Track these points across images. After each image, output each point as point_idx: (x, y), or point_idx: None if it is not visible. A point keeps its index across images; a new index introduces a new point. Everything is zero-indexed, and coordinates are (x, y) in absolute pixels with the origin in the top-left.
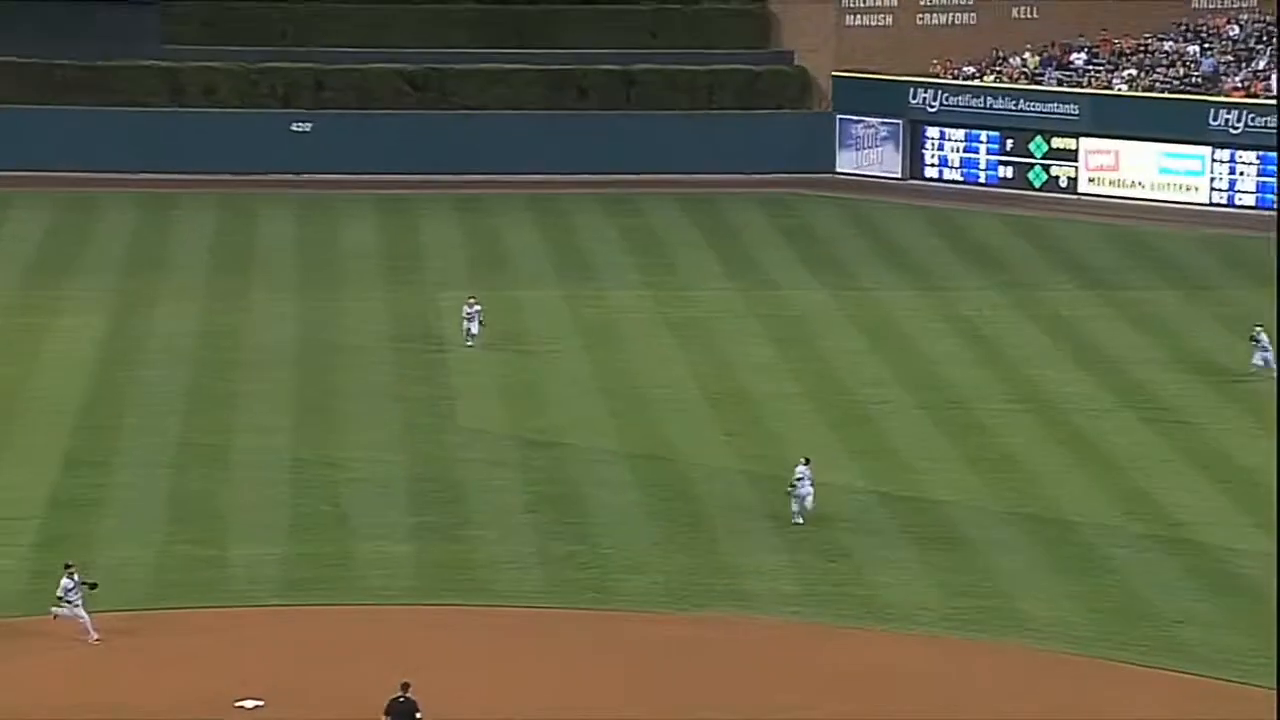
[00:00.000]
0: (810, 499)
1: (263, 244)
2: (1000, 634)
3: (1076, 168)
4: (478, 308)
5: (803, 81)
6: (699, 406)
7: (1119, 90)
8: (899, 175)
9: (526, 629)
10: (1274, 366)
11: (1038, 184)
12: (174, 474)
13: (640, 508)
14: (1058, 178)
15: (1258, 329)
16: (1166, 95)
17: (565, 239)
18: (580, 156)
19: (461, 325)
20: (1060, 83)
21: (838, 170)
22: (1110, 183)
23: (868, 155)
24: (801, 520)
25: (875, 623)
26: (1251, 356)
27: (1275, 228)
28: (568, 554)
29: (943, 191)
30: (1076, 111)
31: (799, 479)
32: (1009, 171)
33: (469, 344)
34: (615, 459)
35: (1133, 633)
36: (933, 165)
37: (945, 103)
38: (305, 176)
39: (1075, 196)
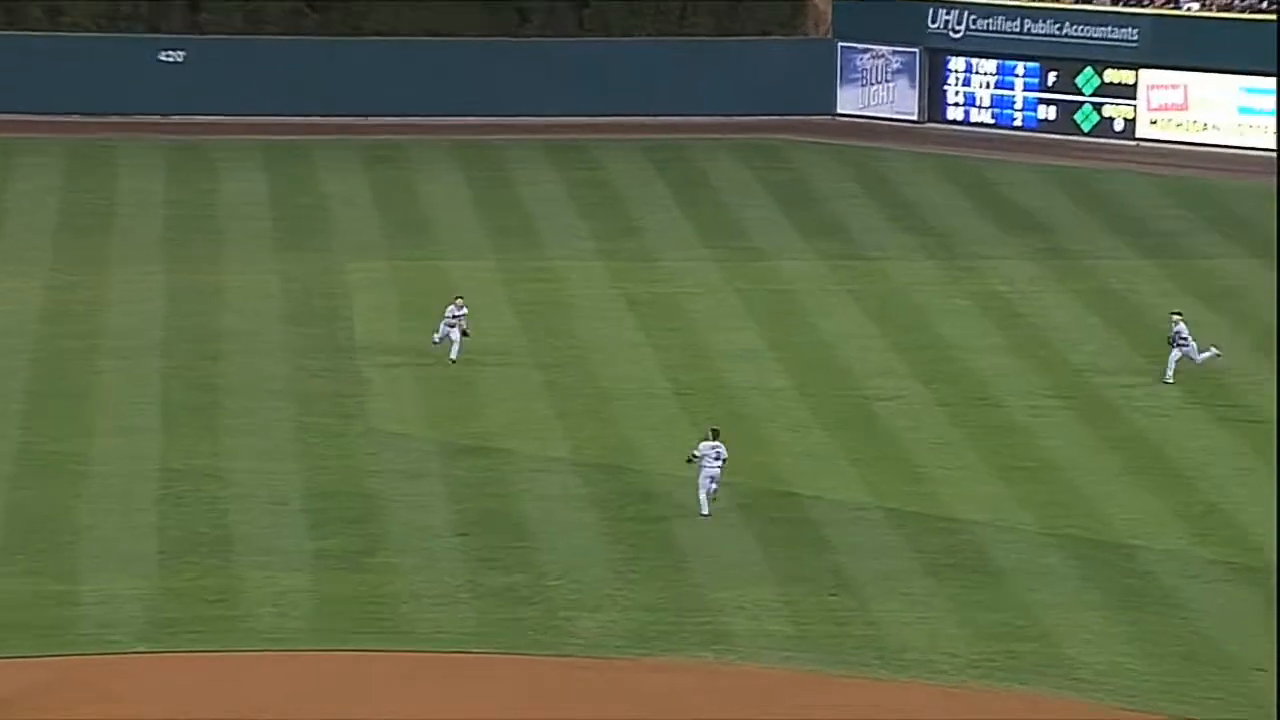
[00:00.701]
0: (715, 486)
1: (123, 203)
2: (1040, 684)
3: (1135, 107)
4: (463, 311)
5: (796, 1)
6: (667, 404)
7: (1188, 10)
8: (915, 117)
9: (455, 678)
10: (1195, 359)
11: (1087, 128)
12: (10, 489)
13: (596, 529)
14: (1111, 120)
15: (1176, 319)
16: (1248, 16)
17: (502, 197)
18: (521, 95)
19: (438, 328)
20: (1116, 1)
21: (838, 111)
22: (1177, 125)
23: (876, 93)
24: (708, 512)
25: (886, 670)
26: (1170, 356)
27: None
28: (506, 586)
29: (969, 138)
30: (1135, 37)
31: (699, 455)
32: (1051, 112)
33: (451, 360)
34: (565, 468)
35: (1202, 683)
36: (957, 105)
37: (973, 26)
38: (176, 119)
39: (1133, 143)
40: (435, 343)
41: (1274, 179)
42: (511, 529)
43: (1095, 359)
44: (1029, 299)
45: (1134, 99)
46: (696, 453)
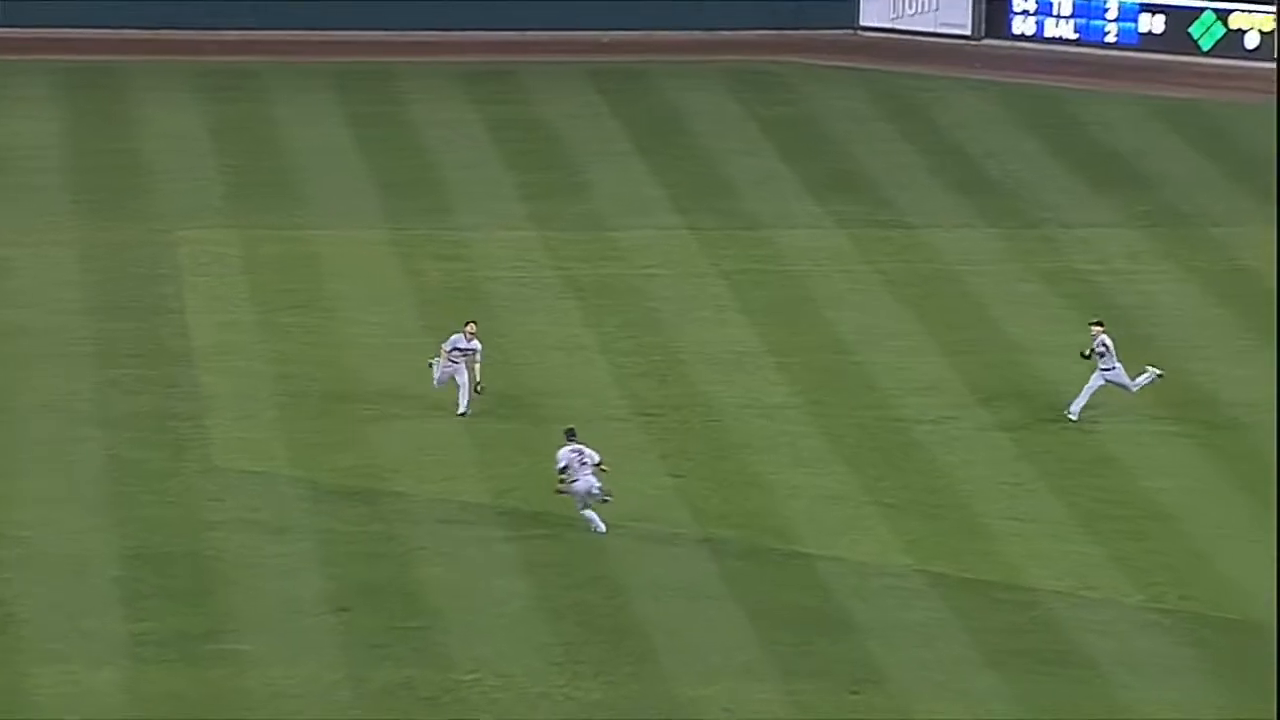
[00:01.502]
0: (596, 489)
1: None
2: None
3: (1277, 17)
4: (474, 346)
5: None
6: (626, 429)
7: None
8: (968, 32)
9: None
10: (1128, 385)
11: (1206, 45)
12: None
13: (526, 599)
14: (1240, 34)
15: (1097, 331)
16: None
17: (396, 141)
18: (423, 3)
19: (435, 363)
20: None
21: (861, 24)
22: None
23: None
24: (603, 528)
25: None
26: (1090, 379)
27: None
28: (402, 681)
29: (1042, 59)
30: None
31: (564, 470)
32: (1157, 23)
33: (460, 412)
34: (483, 517)
35: None
36: (1026, 14)
37: None
38: None
39: (1270, 64)
40: (437, 384)
41: None
42: (408, 600)
43: (1221, 366)
44: (1128, 281)
45: (1273, 3)
46: (561, 469)
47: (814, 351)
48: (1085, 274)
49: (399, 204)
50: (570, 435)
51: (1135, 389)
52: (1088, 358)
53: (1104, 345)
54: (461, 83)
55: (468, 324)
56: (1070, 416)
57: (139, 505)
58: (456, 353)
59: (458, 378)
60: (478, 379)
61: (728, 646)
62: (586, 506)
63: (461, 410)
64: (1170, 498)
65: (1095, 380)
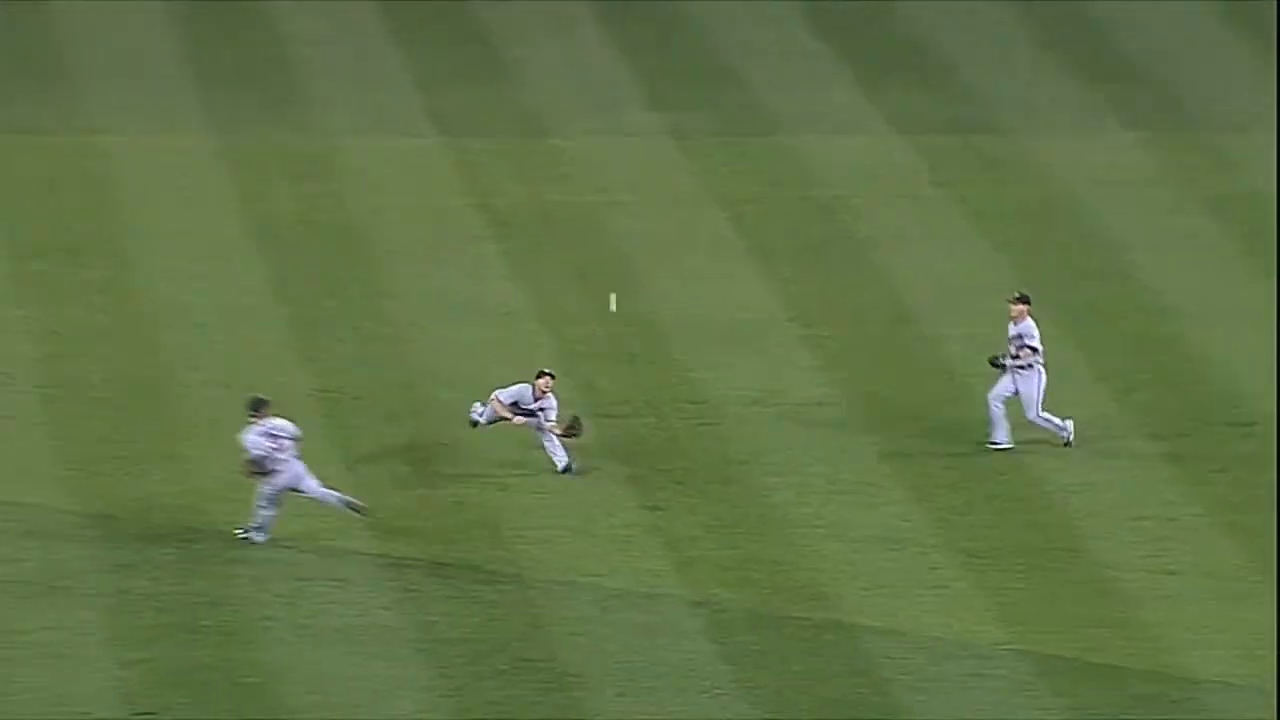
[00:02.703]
0: (326, 494)
1: None
2: None
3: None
4: (550, 403)
5: None
6: (583, 442)
7: None
8: None
9: None
10: (1063, 432)
11: None
12: None
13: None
14: None
15: (1020, 312)
16: None
17: (225, 9)
18: None
19: (479, 411)
20: None
21: None
22: None
23: None
24: (263, 539)
25: None
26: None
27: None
28: None
29: None
30: None
31: (255, 459)
32: None
33: (560, 469)
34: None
35: None
36: None
37: None
38: None
39: None
40: (476, 422)
41: None
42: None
43: None
44: None
45: None
46: (250, 455)
47: (860, 320)
48: (1272, 199)
49: (230, 98)
50: (257, 409)
51: (1042, 423)
52: (999, 365)
53: (1025, 340)
54: None
55: (540, 376)
56: (994, 443)
57: None
58: (523, 409)
59: (528, 419)
60: (553, 426)
61: None
62: (274, 505)
63: (560, 467)
64: None
65: (1003, 386)
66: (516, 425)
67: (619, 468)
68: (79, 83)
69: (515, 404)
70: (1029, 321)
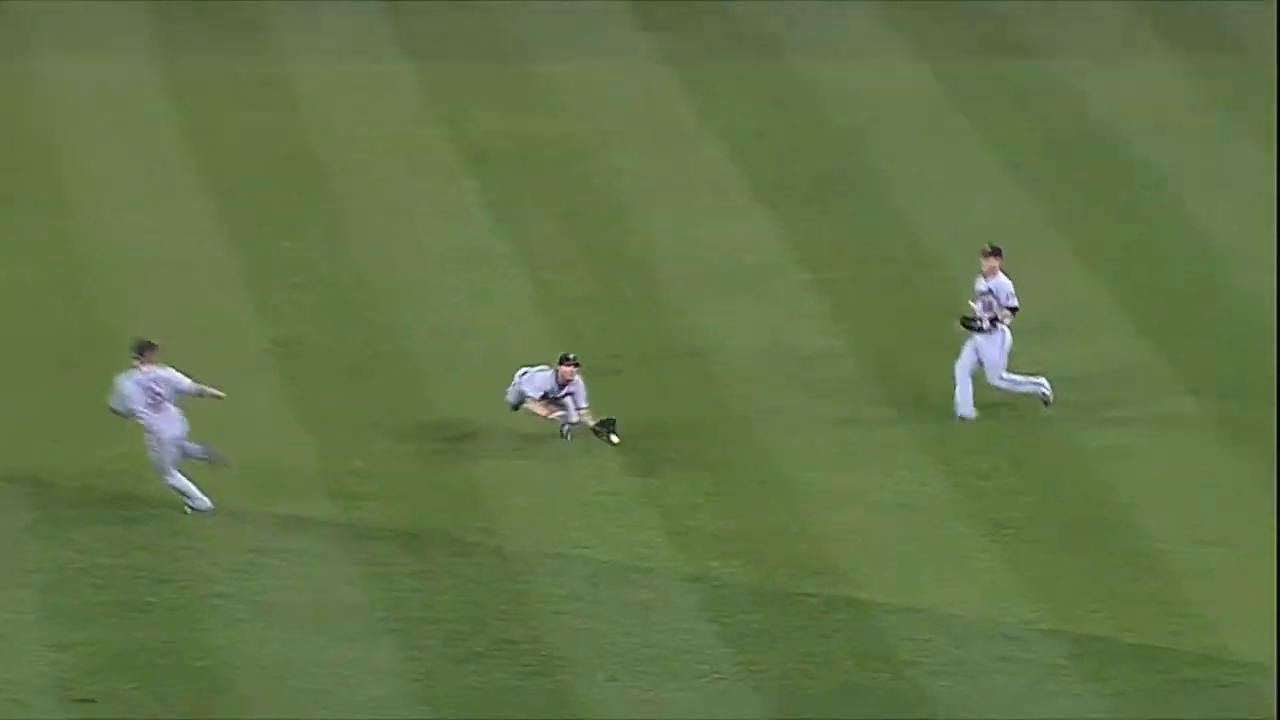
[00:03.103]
0: (188, 444)
1: None
2: None
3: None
4: (577, 385)
5: None
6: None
7: None
8: None
9: None
10: (1040, 388)
11: None
12: None
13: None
14: None
15: (991, 268)
16: None
17: None
18: None
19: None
20: None
21: None
22: None
23: None
24: (205, 504)
25: None
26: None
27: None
28: None
29: None
30: None
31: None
32: None
33: (612, 440)
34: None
35: None
36: None
37: None
38: None
39: None
40: (563, 433)
41: None
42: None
43: None
44: None
45: None
46: (113, 405)
47: (875, 264)
48: None
49: (174, 19)
50: (141, 353)
51: (1004, 385)
52: (974, 326)
53: (1001, 298)
54: None
55: (563, 362)
56: (962, 416)
57: None
58: (544, 399)
59: (570, 414)
60: (586, 418)
61: None
62: (172, 468)
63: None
64: None
65: (968, 353)
66: (551, 419)
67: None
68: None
69: (545, 395)
70: (1002, 277)
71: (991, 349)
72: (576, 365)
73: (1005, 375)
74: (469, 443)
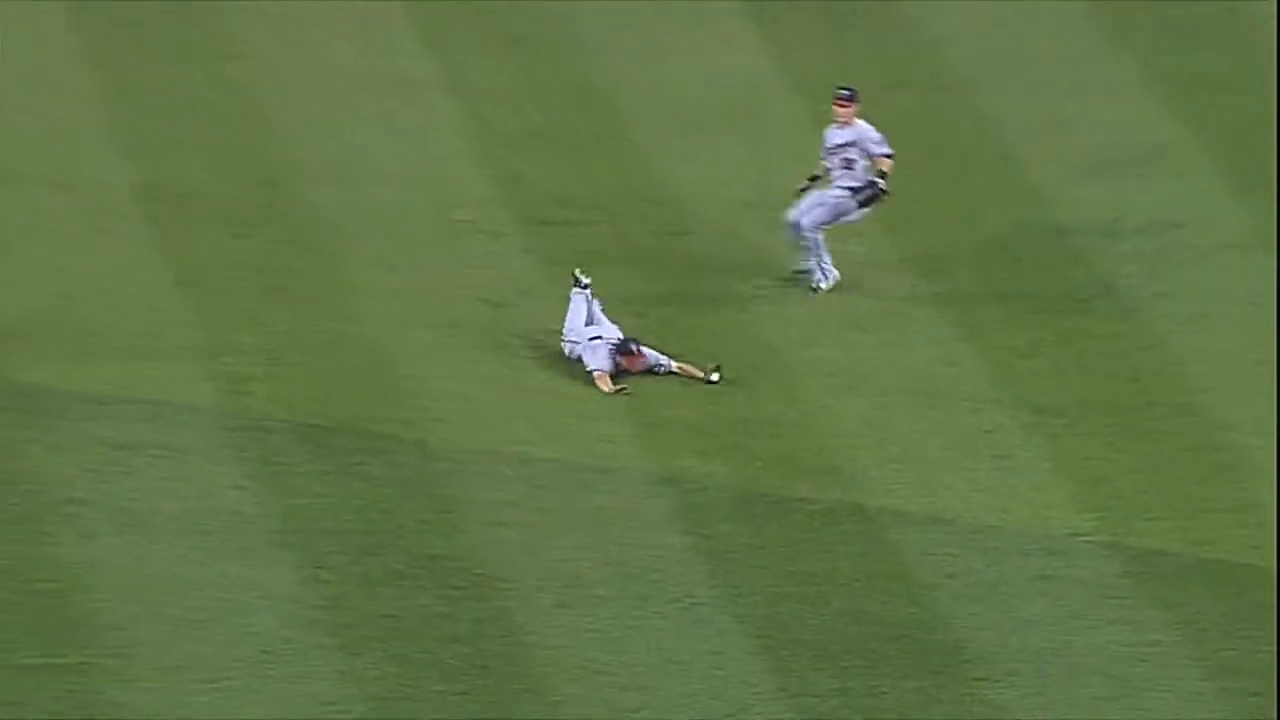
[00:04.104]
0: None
1: None
2: None
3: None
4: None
5: None
6: (514, 278)
7: None
8: None
9: None
10: (823, 279)
11: None
12: None
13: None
14: None
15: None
16: None
17: None
18: None
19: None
20: None
21: None
22: None
23: None
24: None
25: None
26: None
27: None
28: None
29: None
30: None
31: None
32: None
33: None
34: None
35: None
36: None
37: None
38: None
39: None
40: (594, 372)
41: None
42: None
43: None
44: None
45: None
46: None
47: (889, 90)
48: None
49: None
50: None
51: (810, 234)
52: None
53: (871, 147)
54: None
55: (624, 348)
56: (815, 285)
57: None
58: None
59: (648, 357)
60: (630, 344)
61: (721, 681)
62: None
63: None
64: None
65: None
66: (615, 393)
67: (558, 291)
68: None
69: (622, 343)
70: (863, 124)
71: (848, 206)
72: (639, 352)
73: (820, 229)
74: (383, 313)
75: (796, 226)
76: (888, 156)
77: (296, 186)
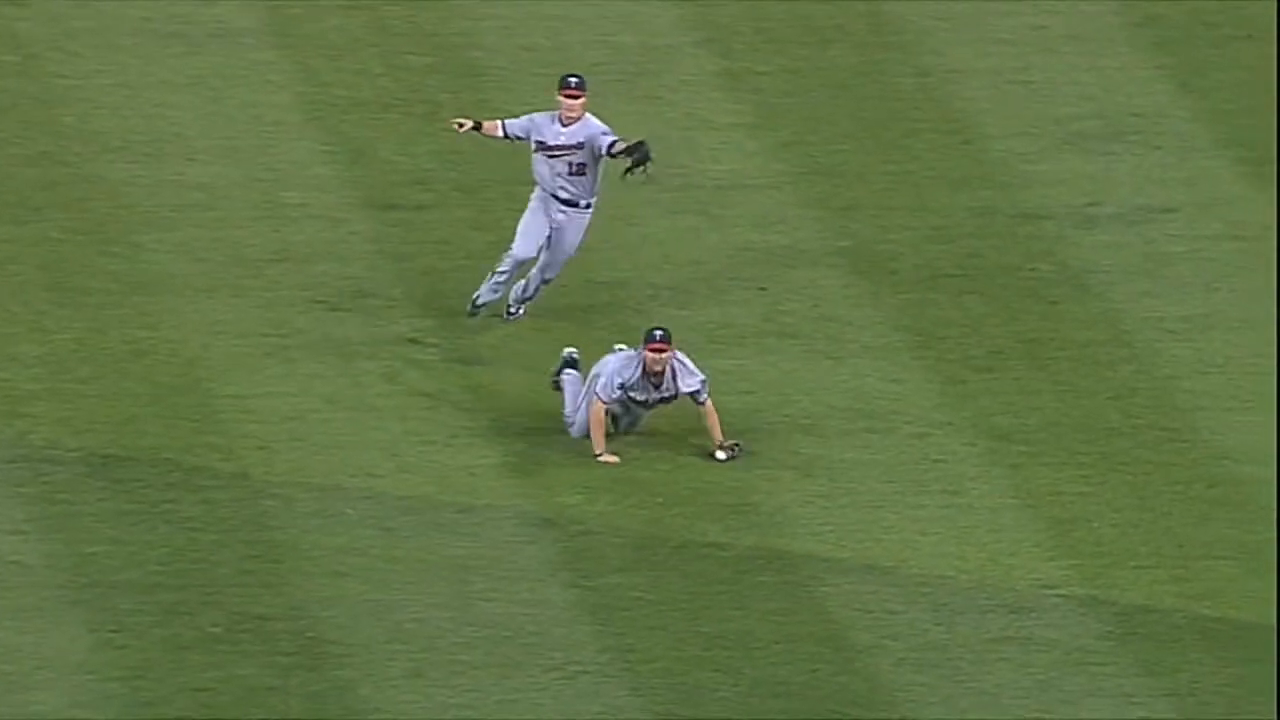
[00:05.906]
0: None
1: None
2: None
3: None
4: (690, 373)
5: None
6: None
7: None
8: None
9: None
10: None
11: None
12: None
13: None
14: None
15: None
16: None
17: None
18: None
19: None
20: None
21: None
22: None
23: None
24: None
25: None
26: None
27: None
28: None
29: None
30: None
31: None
32: None
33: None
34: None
35: None
36: None
37: None
38: None
39: None
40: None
41: None
42: None
43: None
44: None
45: None
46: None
47: (832, 45)
48: None
49: None
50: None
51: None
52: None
53: (588, 149)
54: None
55: (654, 341)
56: (511, 314)
57: None
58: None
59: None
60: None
61: None
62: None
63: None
64: None
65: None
66: (606, 460)
67: (406, 291)
68: None
69: (621, 391)
70: (593, 119)
71: (576, 231)
72: (666, 342)
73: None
74: (194, 318)
75: (544, 281)
76: (617, 141)
77: (88, 162)
